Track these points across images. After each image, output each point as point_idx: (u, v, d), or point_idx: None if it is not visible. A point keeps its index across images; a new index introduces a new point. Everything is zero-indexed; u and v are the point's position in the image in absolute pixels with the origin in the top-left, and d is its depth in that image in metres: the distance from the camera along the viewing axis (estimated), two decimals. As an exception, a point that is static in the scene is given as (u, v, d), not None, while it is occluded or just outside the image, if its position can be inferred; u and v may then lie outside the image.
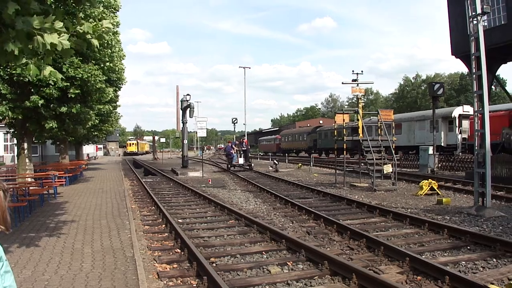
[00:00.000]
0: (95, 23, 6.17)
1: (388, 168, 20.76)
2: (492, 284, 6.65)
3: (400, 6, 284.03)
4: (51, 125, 19.08)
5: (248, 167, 37.08)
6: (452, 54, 26.77)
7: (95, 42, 6.15)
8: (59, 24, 5.24)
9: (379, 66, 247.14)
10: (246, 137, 52.48)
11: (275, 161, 38.44)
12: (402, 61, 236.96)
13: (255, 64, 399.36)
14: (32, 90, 17.77)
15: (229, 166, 37.33)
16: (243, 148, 39.08)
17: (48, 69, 5.84)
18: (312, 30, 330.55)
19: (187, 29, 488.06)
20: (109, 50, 22.46)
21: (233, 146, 38.83)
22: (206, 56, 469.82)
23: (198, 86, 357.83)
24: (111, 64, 23.41)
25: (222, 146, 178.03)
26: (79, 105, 19.46)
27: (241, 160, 37.71)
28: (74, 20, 5.98)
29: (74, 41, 5.82)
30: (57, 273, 7.51)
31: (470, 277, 7.01)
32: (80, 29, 5.86)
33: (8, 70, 16.60)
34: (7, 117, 18.71)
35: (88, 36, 6.00)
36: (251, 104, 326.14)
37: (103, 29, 6.19)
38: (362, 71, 24.32)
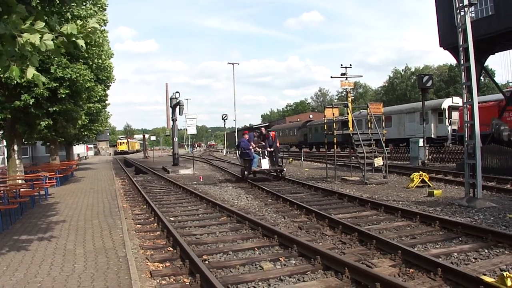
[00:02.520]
0: (81, 23, 6.11)
1: (378, 161, 20.80)
2: (485, 275, 6.68)
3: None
4: (44, 123, 18.99)
5: (276, 173, 24.52)
6: (440, 46, 26.87)
7: (81, 42, 6.10)
8: (40, 25, 5.19)
9: (368, 60, 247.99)
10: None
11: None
12: (390, 54, 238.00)
13: (244, 60, 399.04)
14: (22, 91, 17.66)
15: (245, 173, 23.82)
16: (268, 145, 24.32)
17: (31, 72, 5.78)
18: (300, 24, 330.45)
19: (173, 26, 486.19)
20: (98, 49, 22.37)
21: (251, 141, 24.43)
22: (194, 53, 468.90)
23: (187, 83, 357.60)
24: (99, 61, 23.32)
25: (213, 142, 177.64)
26: (72, 102, 19.42)
27: (265, 163, 23.72)
28: (62, 19, 5.92)
29: (60, 42, 5.77)
30: (50, 275, 7.48)
31: (462, 269, 7.03)
32: (64, 30, 5.81)
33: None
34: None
35: (73, 38, 5.95)
36: (241, 100, 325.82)
37: (90, 29, 6.14)
38: (350, 65, 24.43)
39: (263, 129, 26.30)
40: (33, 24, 5.18)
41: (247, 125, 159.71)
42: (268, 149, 24.09)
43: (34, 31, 5.14)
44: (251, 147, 23.74)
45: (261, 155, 23.91)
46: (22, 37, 5.08)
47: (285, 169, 24.78)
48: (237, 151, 27.80)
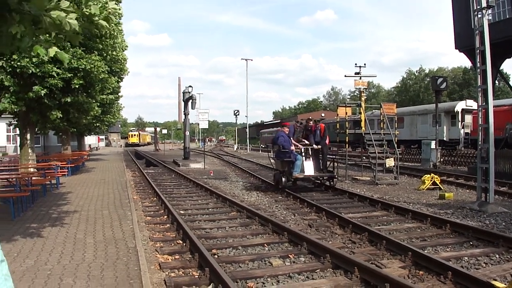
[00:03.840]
0: (101, 4, 6.13)
1: (390, 162, 20.73)
2: (495, 280, 6.64)
3: None
4: (56, 115, 19.06)
5: (320, 181, 18.98)
6: (456, 48, 26.73)
7: (104, 23, 6.12)
8: (65, 3, 5.22)
9: (381, 60, 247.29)
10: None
11: (277, 153, 38.16)
12: (403, 54, 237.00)
13: (256, 56, 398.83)
14: (36, 81, 17.73)
15: (283, 179, 17.42)
16: (313, 141, 18.35)
17: (53, 50, 5.83)
18: (313, 22, 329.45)
19: (186, 20, 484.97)
20: (112, 41, 22.40)
21: (292, 137, 18.03)
22: (207, 48, 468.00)
23: (199, 78, 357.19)
24: (113, 53, 23.35)
25: (224, 138, 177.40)
26: (84, 94, 19.47)
27: (309, 167, 17.47)
28: (81, 6, 5.93)
29: (81, 24, 5.80)
30: (60, 263, 7.51)
31: (473, 273, 6.99)
32: (86, 11, 5.83)
33: (12, 62, 16.55)
34: (9, 111, 18.69)
35: (96, 18, 5.98)
36: (253, 97, 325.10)
37: (110, 10, 6.16)
38: (365, 64, 24.39)
39: (310, 122, 19.13)
40: (58, 2, 5.21)
41: (259, 121, 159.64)
42: (315, 146, 18.04)
43: (59, 10, 5.18)
44: (292, 148, 17.35)
45: (303, 154, 17.54)
46: (50, 16, 5.11)
47: (336, 176, 19.11)
48: (271, 149, 20.93)
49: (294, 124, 19.47)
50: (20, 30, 5.21)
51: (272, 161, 20.12)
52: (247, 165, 32.94)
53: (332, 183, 18.12)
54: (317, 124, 18.95)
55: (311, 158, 17.68)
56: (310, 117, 19.78)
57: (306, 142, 18.34)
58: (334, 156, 19.78)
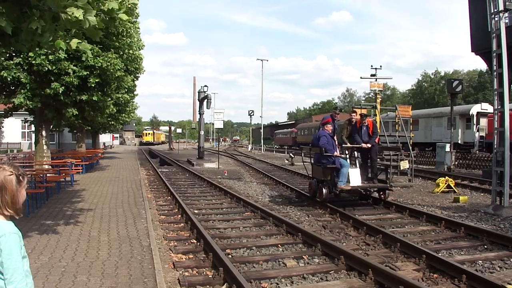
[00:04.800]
0: (120, 0, 6.17)
1: (405, 165, 20.55)
2: (510, 284, 6.61)
3: (417, 1, 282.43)
4: (71, 112, 19.18)
5: (367, 193, 15.40)
6: (472, 51, 26.46)
7: (124, 16, 6.15)
8: (82, 1, 5.27)
9: (396, 62, 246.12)
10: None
11: (291, 154, 38.28)
12: (418, 57, 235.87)
13: (271, 57, 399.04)
14: (52, 78, 17.85)
15: (324, 191, 13.86)
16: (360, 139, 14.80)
17: (75, 42, 5.89)
18: (329, 24, 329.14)
19: (202, 20, 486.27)
20: (128, 39, 22.50)
21: (334, 136, 14.48)
22: (222, 48, 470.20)
23: (214, 77, 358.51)
24: (130, 51, 23.45)
25: (238, 138, 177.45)
26: (99, 93, 19.55)
27: (355, 176, 14.11)
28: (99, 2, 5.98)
29: (101, 19, 5.84)
30: (74, 260, 7.56)
31: (488, 277, 6.96)
32: (104, 8, 5.87)
33: (29, 59, 16.70)
34: (25, 106, 18.85)
35: (114, 14, 6.01)
36: (267, 97, 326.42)
37: (129, 5, 6.20)
38: (380, 66, 24.30)
39: (354, 115, 15.95)
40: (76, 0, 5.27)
41: (273, 122, 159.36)
42: (364, 145, 14.57)
43: (77, 6, 5.23)
44: (337, 153, 13.85)
45: (347, 158, 14.41)
46: (66, 13, 5.17)
47: (392, 188, 15.84)
48: (307, 151, 16.57)
49: (332, 113, 15.29)
50: (41, 25, 5.29)
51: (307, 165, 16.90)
52: (261, 166, 32.93)
53: (383, 196, 14.84)
54: (364, 119, 15.23)
55: (357, 165, 14.55)
56: (354, 108, 16.46)
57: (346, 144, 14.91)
58: (388, 162, 15.90)
